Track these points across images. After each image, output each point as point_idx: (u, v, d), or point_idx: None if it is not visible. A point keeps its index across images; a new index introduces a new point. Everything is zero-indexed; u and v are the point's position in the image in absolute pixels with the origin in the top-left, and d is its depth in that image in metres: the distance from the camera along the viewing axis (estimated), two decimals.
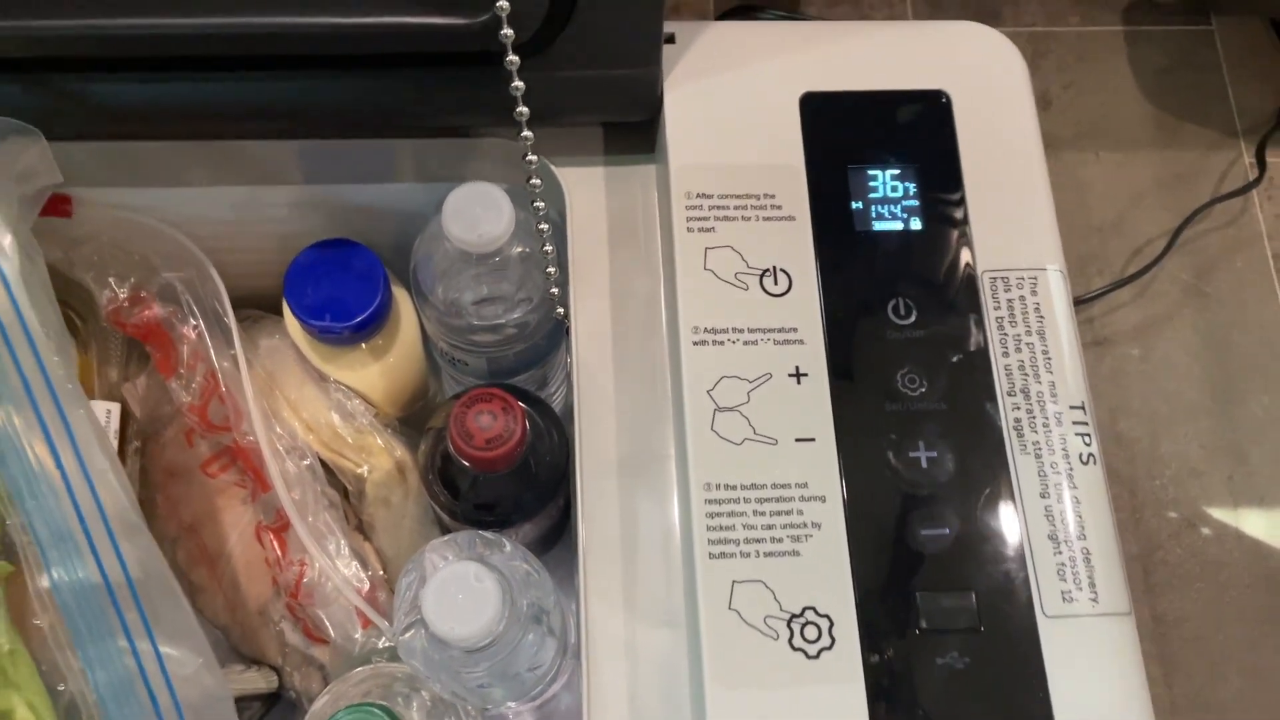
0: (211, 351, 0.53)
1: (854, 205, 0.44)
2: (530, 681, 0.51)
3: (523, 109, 0.42)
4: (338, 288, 0.53)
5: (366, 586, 0.53)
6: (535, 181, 0.44)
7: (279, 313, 0.57)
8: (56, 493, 0.40)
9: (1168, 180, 0.89)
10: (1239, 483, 0.78)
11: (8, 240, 0.40)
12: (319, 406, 0.55)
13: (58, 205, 0.52)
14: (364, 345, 0.55)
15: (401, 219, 0.56)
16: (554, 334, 0.56)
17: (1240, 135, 0.90)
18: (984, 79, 0.47)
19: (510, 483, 0.53)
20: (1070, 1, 0.93)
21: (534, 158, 0.43)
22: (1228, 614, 0.74)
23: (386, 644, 0.54)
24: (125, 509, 0.42)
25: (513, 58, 0.41)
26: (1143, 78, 0.93)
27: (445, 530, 0.58)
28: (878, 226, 0.44)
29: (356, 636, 0.53)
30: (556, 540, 0.58)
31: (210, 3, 0.42)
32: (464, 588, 0.43)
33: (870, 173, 0.45)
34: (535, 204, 0.44)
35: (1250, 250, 0.86)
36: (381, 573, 0.56)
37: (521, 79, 0.41)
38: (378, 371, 0.56)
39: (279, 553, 0.54)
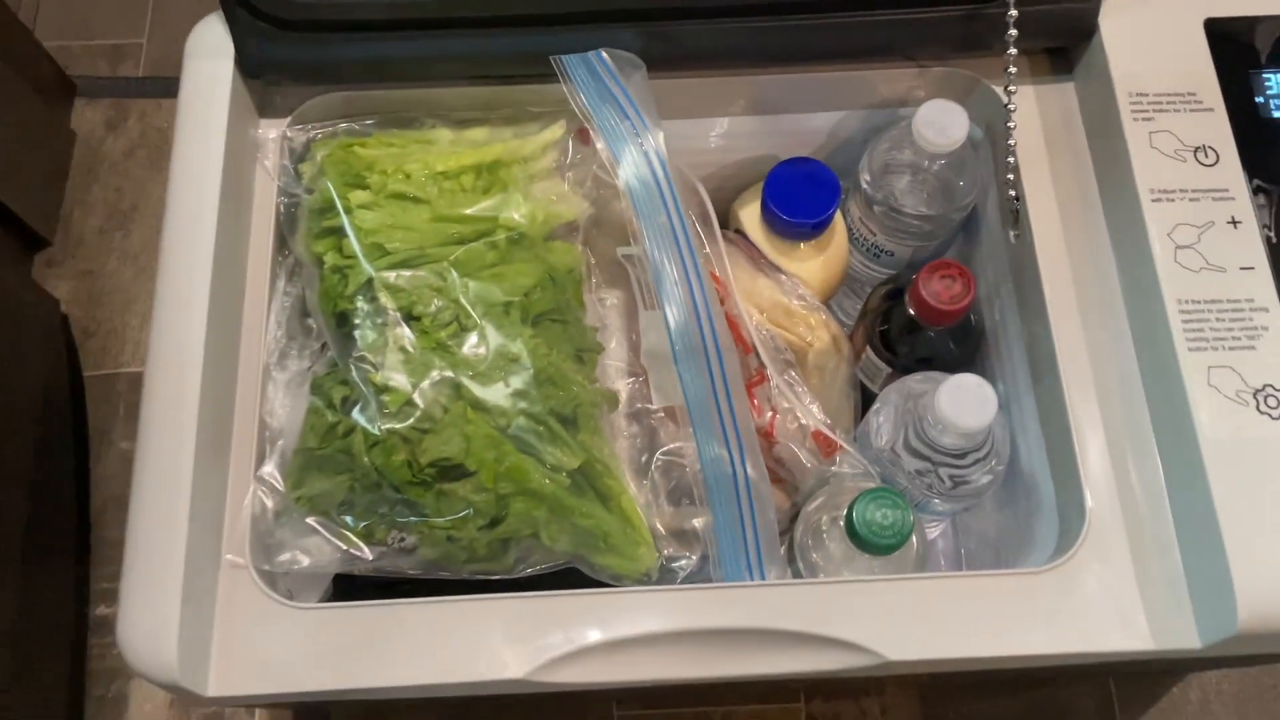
0: (704, 244, 0.68)
1: (1258, 100, 0.58)
2: (963, 505, 0.65)
3: (1013, 31, 0.57)
4: (805, 195, 0.68)
5: (827, 423, 0.67)
6: (1012, 89, 0.58)
7: (723, 224, 0.72)
8: (694, 328, 0.56)
9: None
10: None
11: (661, 137, 0.56)
12: (773, 292, 0.70)
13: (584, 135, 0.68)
14: (811, 243, 0.70)
15: (829, 143, 0.71)
16: (960, 230, 0.70)
17: None
18: None
19: (945, 338, 0.67)
20: None
21: (1013, 70, 0.58)
22: None
23: (838, 472, 0.68)
24: (729, 342, 0.57)
25: None
26: None
27: (866, 396, 0.73)
28: (1278, 114, 0.58)
29: (820, 465, 0.67)
30: None
31: None
32: (972, 392, 0.57)
33: (1266, 75, 0.58)
34: (1010, 105, 0.59)
35: None
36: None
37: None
38: (819, 264, 0.71)
39: (750, 402, 0.69)
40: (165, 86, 1.11)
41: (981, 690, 0.84)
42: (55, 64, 1.09)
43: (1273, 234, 0.55)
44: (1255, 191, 0.56)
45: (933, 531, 0.77)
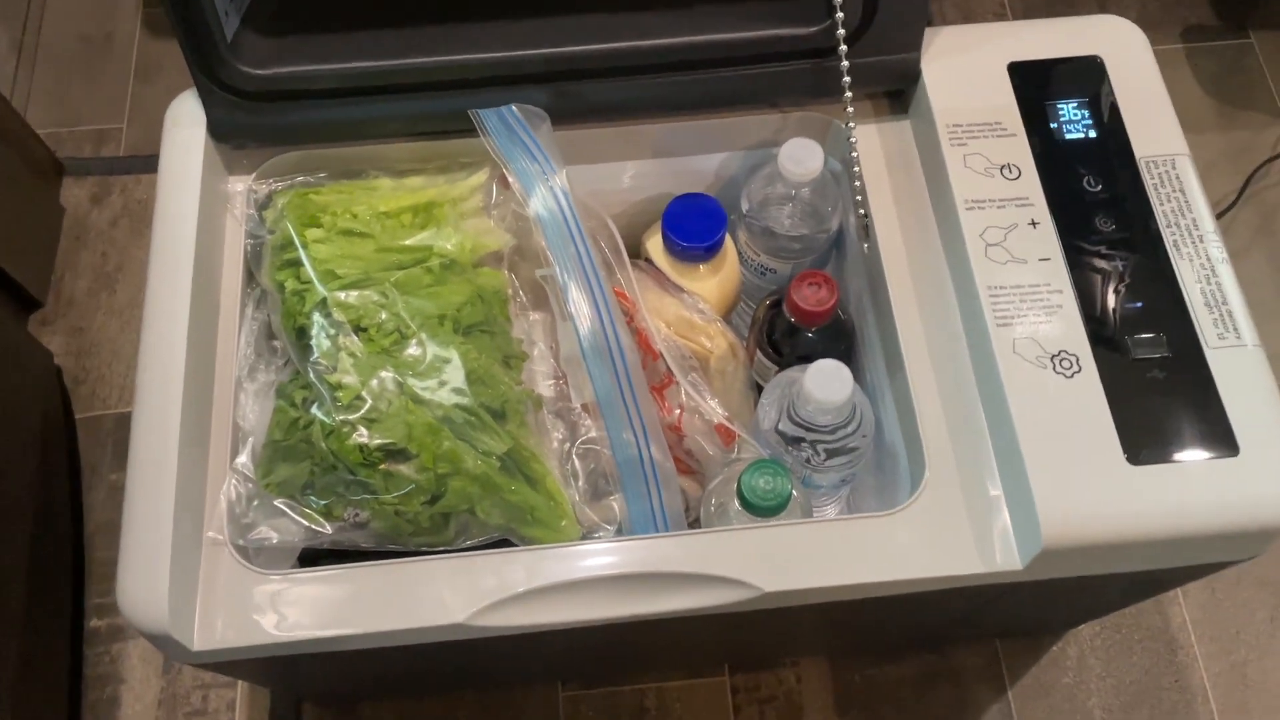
0: (614, 271, 0.80)
1: (1052, 125, 0.71)
2: (839, 475, 0.76)
3: (847, 79, 0.69)
4: (697, 223, 0.80)
5: (726, 416, 0.78)
6: (851, 125, 0.71)
7: (634, 254, 0.84)
8: (599, 331, 0.67)
9: (1232, 153, 1.15)
10: None
11: (564, 175, 0.68)
12: (677, 308, 0.82)
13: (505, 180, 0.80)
14: (708, 264, 0.82)
15: (718, 181, 0.83)
16: (832, 247, 0.82)
17: None
18: (1122, 47, 0.74)
19: (821, 336, 0.78)
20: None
21: (851, 109, 0.70)
22: None
23: (739, 458, 0.79)
24: (630, 344, 0.68)
25: (844, 47, 0.68)
26: (1202, 80, 1.20)
27: (760, 393, 0.84)
28: (1069, 136, 0.70)
29: (723, 452, 0.78)
30: None
31: (637, 29, 0.70)
32: (831, 373, 0.68)
33: (1060, 105, 0.71)
34: (851, 139, 0.71)
35: None
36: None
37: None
38: (715, 283, 0.82)
39: (660, 403, 0.80)
40: (144, 164, 1.24)
41: (884, 656, 0.93)
42: (46, 147, 1.21)
43: (1062, 228, 0.68)
44: (1049, 199, 0.69)
45: (830, 512, 0.88)
